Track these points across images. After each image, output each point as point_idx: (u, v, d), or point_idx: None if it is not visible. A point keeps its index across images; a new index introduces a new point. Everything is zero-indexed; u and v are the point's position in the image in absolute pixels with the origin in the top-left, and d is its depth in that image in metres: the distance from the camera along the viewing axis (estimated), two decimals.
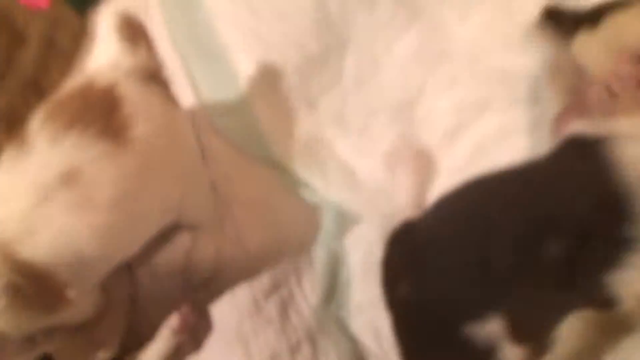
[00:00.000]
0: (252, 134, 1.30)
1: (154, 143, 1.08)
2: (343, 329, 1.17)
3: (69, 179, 1.00)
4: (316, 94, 1.29)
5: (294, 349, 1.12)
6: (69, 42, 1.53)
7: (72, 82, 1.14)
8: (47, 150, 1.02)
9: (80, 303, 1.10)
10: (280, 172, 1.29)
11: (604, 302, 0.87)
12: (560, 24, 1.04)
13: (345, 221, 1.24)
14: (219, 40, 1.33)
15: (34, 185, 1.00)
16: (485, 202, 0.98)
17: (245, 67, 1.30)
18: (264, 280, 1.18)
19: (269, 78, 1.28)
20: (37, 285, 1.00)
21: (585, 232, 0.86)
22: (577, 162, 0.92)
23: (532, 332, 0.93)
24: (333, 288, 1.21)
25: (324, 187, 1.26)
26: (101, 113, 1.05)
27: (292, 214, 1.28)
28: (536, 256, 0.88)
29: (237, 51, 1.32)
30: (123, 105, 1.06)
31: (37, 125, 1.04)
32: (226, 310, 1.17)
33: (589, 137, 0.92)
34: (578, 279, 0.87)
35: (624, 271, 0.84)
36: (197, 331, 1.18)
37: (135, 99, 1.08)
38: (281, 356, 1.11)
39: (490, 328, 0.90)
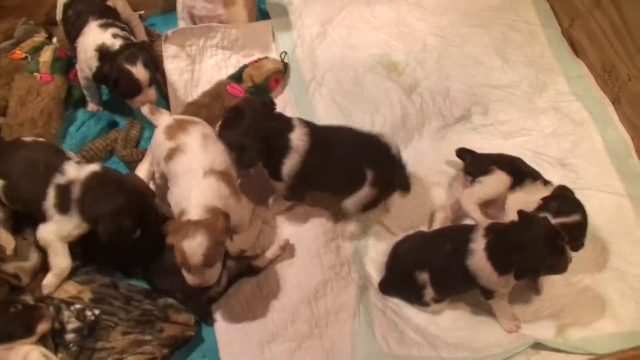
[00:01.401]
0: None
1: None
2: (362, 263, 2.51)
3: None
4: None
5: (342, 265, 2.45)
6: None
7: None
8: None
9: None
10: None
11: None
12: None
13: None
14: None
15: None
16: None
17: None
18: (328, 235, 2.52)
19: None
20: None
21: None
22: None
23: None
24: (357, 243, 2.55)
25: None
26: None
27: None
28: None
29: None
30: None
31: None
32: (311, 241, 2.48)
33: None
34: None
35: None
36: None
37: None
38: (335, 267, 2.43)
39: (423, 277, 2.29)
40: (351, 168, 2.39)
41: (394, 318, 2.35)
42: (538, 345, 2.27)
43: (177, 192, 2.23)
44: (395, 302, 2.41)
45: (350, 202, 2.45)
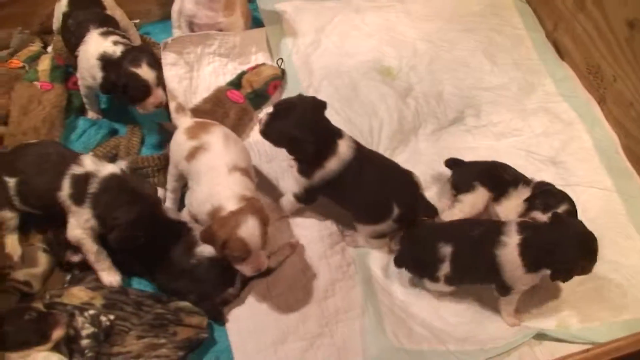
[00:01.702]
0: None
1: None
2: (365, 262, 2.57)
3: None
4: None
5: (348, 265, 2.51)
6: None
7: None
8: None
9: None
10: None
11: None
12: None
13: None
14: None
15: None
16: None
17: None
18: (334, 237, 2.57)
19: None
20: None
21: None
22: None
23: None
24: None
25: None
26: None
27: None
28: None
29: None
30: None
31: None
32: (318, 244, 2.54)
33: None
34: None
35: None
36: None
37: None
38: (342, 267, 2.49)
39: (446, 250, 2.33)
40: (381, 198, 2.43)
41: (401, 315, 2.42)
42: (540, 336, 2.34)
43: (201, 191, 2.26)
44: (402, 300, 2.47)
45: (369, 230, 2.51)
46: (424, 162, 2.83)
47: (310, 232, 2.56)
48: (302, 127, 2.33)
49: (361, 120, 2.87)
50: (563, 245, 2.19)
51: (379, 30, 3.30)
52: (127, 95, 2.56)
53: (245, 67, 3.01)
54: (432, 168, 2.81)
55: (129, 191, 2.26)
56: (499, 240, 2.26)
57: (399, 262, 2.47)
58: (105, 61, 2.56)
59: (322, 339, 2.33)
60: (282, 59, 3.06)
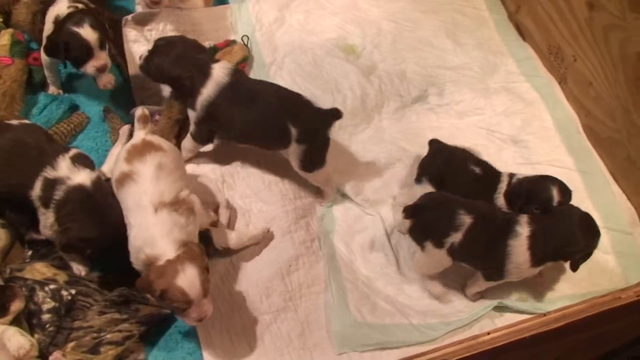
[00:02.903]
0: None
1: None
2: (329, 238, 2.58)
3: None
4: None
5: (312, 240, 2.52)
6: None
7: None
8: None
9: None
10: None
11: None
12: None
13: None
14: None
15: None
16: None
17: None
18: (298, 212, 2.58)
19: None
20: None
21: None
22: None
23: None
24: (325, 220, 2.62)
25: None
26: None
27: None
28: None
29: None
30: None
31: None
32: (282, 220, 2.55)
33: None
34: None
35: None
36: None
37: None
38: (306, 242, 2.50)
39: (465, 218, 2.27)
40: (274, 122, 2.43)
41: (364, 290, 2.43)
42: (501, 308, 2.37)
43: (135, 236, 2.10)
44: (365, 275, 2.49)
45: (292, 160, 2.51)
46: (386, 140, 2.85)
47: (275, 207, 2.57)
48: (180, 63, 2.41)
49: (324, 96, 2.87)
50: (574, 234, 2.21)
51: (344, 9, 3.29)
52: (68, 55, 2.54)
53: (213, 44, 2.98)
54: (396, 145, 2.83)
55: (89, 208, 2.21)
56: (514, 230, 2.25)
57: (410, 213, 2.31)
58: (56, 24, 2.56)
59: (286, 313, 2.35)
60: (247, 36, 3.05)
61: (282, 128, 2.41)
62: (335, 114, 2.44)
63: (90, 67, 2.57)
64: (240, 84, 2.44)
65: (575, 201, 2.68)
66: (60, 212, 2.19)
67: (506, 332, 1.63)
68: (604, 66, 2.83)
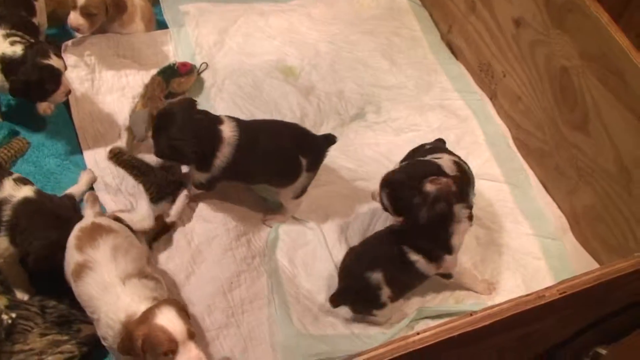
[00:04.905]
0: None
1: None
2: (272, 252, 2.61)
3: None
4: None
5: (253, 257, 2.56)
6: None
7: None
8: None
9: None
10: None
11: None
12: None
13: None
14: None
15: None
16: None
17: None
18: (239, 229, 2.62)
19: None
20: None
21: None
22: None
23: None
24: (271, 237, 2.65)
25: None
26: None
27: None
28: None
29: None
30: None
31: None
32: (223, 237, 2.58)
33: None
34: None
35: None
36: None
37: None
38: (247, 259, 2.54)
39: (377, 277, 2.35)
40: (290, 158, 2.49)
41: (306, 303, 2.48)
42: (439, 311, 2.48)
43: (105, 318, 2.01)
44: (307, 289, 2.53)
45: (291, 190, 2.56)
46: (328, 155, 2.90)
47: (215, 225, 2.60)
48: (183, 136, 2.36)
49: (264, 117, 2.93)
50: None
51: (282, 32, 3.37)
52: (41, 90, 2.50)
53: (175, 64, 2.99)
54: (334, 162, 2.89)
55: (44, 214, 2.21)
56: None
57: (336, 300, 2.38)
58: (6, 63, 2.48)
59: (228, 329, 2.37)
60: (206, 63, 3.12)
61: (296, 161, 2.48)
62: (330, 140, 2.55)
63: (60, 95, 2.55)
64: (246, 131, 2.43)
65: (504, 211, 2.84)
66: (16, 230, 2.18)
67: (434, 332, 1.67)
68: (531, 80, 2.96)
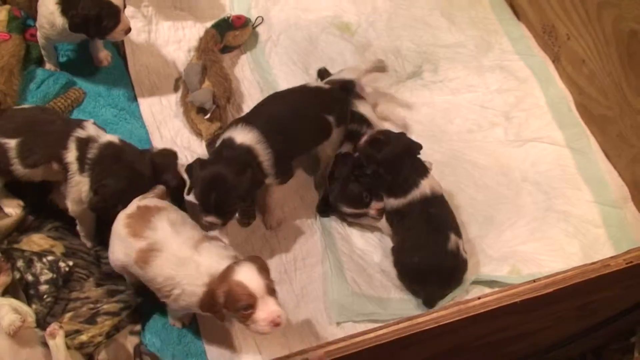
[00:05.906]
0: None
1: None
2: None
3: None
4: None
5: (307, 215, 2.55)
6: None
7: None
8: None
9: None
10: None
11: None
12: None
13: None
14: None
15: None
16: None
17: None
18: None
19: None
20: None
21: None
22: None
23: None
24: None
25: None
26: None
27: None
28: None
29: None
30: None
31: None
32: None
33: None
34: None
35: None
36: None
37: None
38: (300, 216, 2.54)
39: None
40: (316, 122, 2.46)
41: (360, 262, 2.47)
42: (493, 283, 2.42)
43: (188, 283, 1.99)
44: (360, 248, 2.52)
45: (329, 146, 2.55)
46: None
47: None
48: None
49: None
50: None
51: None
52: (99, 25, 2.48)
53: (229, 17, 2.97)
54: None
55: (122, 161, 2.22)
56: None
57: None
58: (65, 2, 2.47)
59: (280, 286, 2.35)
60: (262, 17, 3.08)
61: (324, 121, 2.46)
62: (348, 87, 2.57)
63: (119, 33, 2.53)
64: (271, 120, 2.35)
65: (566, 177, 2.75)
66: (95, 170, 2.19)
67: (497, 297, 1.64)
68: (597, 44, 2.84)
